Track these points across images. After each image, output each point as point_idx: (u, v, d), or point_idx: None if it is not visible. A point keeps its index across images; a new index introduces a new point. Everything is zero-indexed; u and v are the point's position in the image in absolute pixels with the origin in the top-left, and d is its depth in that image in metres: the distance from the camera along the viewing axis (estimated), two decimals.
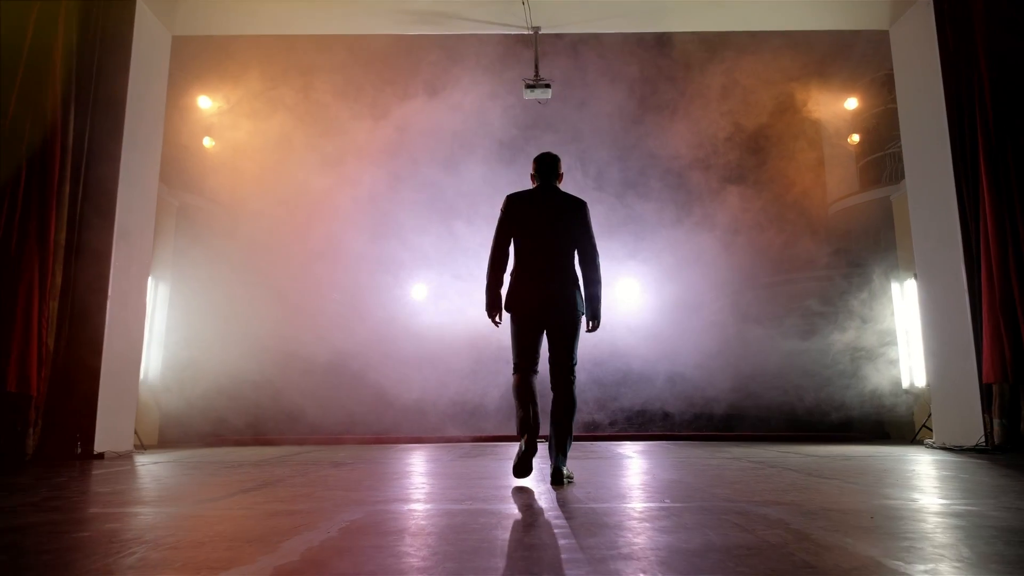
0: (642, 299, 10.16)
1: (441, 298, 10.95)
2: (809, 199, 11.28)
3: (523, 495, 3.38)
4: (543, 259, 3.82)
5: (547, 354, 3.91)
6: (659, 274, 9.59)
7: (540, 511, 2.85)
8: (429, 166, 9.63)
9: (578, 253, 3.90)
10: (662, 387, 9.91)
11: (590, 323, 3.94)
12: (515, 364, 3.84)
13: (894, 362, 8.35)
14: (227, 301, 9.83)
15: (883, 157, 11.91)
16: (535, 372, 3.86)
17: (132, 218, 7.05)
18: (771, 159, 10.89)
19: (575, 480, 3.90)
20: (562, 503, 3.04)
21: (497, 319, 3.89)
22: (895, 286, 8.64)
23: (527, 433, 3.66)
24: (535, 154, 4.18)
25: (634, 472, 4.67)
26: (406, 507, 2.98)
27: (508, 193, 4.00)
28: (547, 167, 3.99)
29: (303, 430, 9.60)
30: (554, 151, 4.20)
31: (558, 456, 3.76)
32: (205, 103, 10.71)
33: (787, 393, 8.50)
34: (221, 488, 3.78)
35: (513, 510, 2.86)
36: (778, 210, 9.90)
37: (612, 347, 10.07)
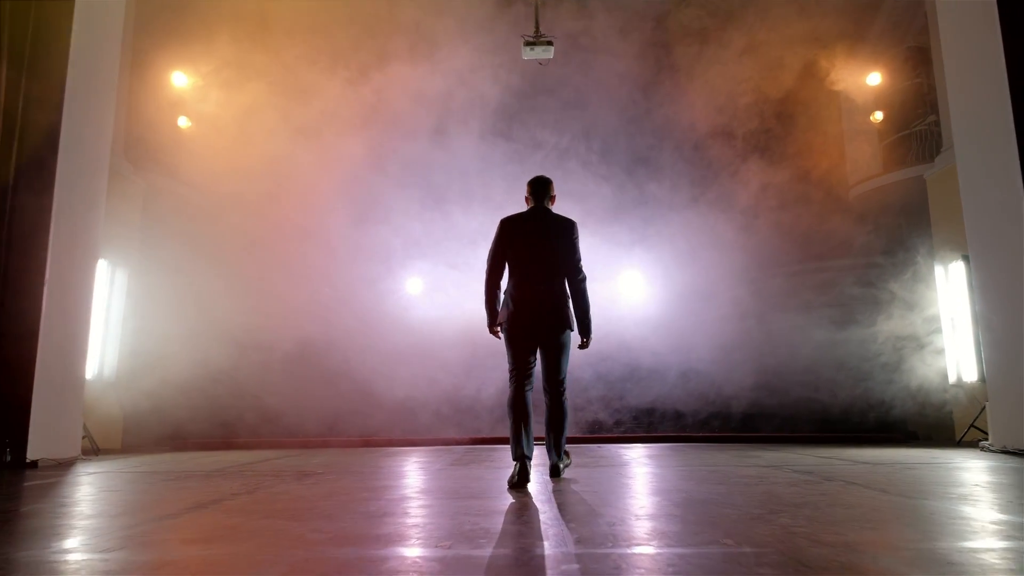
0: (653, 287, 9.29)
1: (435, 290, 10.09)
2: (833, 180, 10.43)
3: (526, 529, 2.52)
4: (535, 278, 4.03)
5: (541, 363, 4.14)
6: (672, 259, 8.71)
7: (550, 561, 1.99)
8: (414, 141, 8.75)
9: (566, 272, 4.10)
10: (674, 384, 9.06)
11: (583, 339, 4.18)
12: (510, 372, 4.07)
13: (939, 354, 7.45)
14: (199, 291, 8.95)
15: (909, 136, 11.10)
16: (529, 384, 4.05)
17: (75, 195, 6.17)
18: (793, 136, 10.02)
19: (571, 474, 4.06)
20: (582, 541, 2.19)
21: (497, 331, 4.15)
22: (939, 270, 7.75)
23: (518, 461, 3.85)
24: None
25: (656, 487, 3.81)
26: (356, 554, 2.12)
27: (502, 217, 4.21)
28: (540, 189, 4.22)
29: (281, 432, 8.74)
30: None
31: (554, 455, 4.09)
32: (180, 80, 9.81)
33: (818, 389, 7.64)
34: (136, 514, 2.93)
35: (509, 555, 2.01)
36: (803, 190, 9.04)
37: (619, 340, 9.22)
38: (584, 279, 4.13)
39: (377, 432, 8.86)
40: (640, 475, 4.41)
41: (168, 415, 8.56)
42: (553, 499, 3.24)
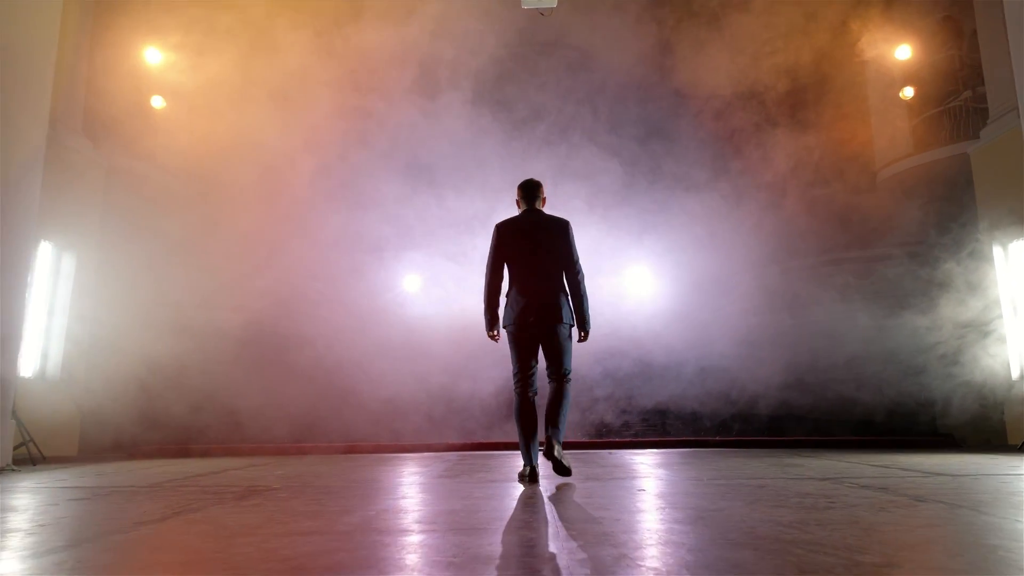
0: (667, 276, 8.40)
1: (430, 282, 9.21)
2: (864, 159, 9.58)
3: None
4: (533, 279, 4.10)
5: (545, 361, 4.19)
6: (689, 245, 7.79)
7: None
8: (399, 110, 7.88)
9: (563, 270, 4.17)
10: (689, 382, 8.17)
11: (581, 333, 4.22)
12: (516, 378, 4.13)
13: (1001, 344, 6.49)
14: (165, 280, 8.08)
15: (942, 113, 10.24)
16: (534, 389, 4.13)
17: (6, 169, 5.31)
18: (822, 111, 9.16)
19: (583, 493, 3.50)
20: None
21: (495, 335, 4.23)
22: (997, 251, 6.83)
23: (528, 464, 3.96)
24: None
25: (696, 511, 2.92)
26: None
27: (496, 222, 4.28)
28: (530, 192, 4.28)
29: (257, 435, 7.84)
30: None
31: (551, 429, 3.97)
32: (146, 53, 8.94)
33: (861, 388, 6.74)
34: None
35: None
36: (835, 168, 8.16)
37: (631, 333, 8.36)
38: (582, 276, 4.18)
39: (362, 437, 7.98)
40: (670, 493, 3.52)
41: (132, 418, 7.71)
42: (568, 534, 2.37)
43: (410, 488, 3.88)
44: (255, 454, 7.25)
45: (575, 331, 4.21)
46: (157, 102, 9.25)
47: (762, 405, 7.67)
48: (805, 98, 9.90)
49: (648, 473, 4.55)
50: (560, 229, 4.17)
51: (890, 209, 8.09)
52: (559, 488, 3.72)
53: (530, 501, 3.23)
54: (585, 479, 4.20)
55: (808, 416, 7.25)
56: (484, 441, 7.57)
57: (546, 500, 3.27)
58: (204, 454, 7.19)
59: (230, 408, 7.91)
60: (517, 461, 4.77)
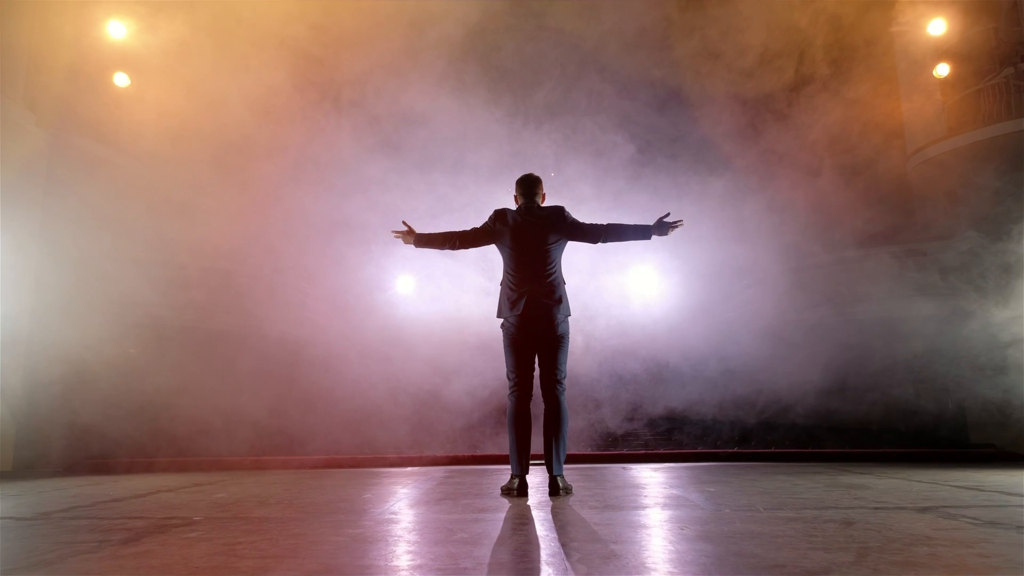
0: (681, 267, 7.45)
1: (418, 277, 8.24)
2: (898, 142, 8.73)
3: None
4: (529, 275, 3.93)
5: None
6: (706, 231, 6.82)
7: None
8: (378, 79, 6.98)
9: (584, 239, 4.05)
10: (706, 386, 7.21)
11: (657, 230, 4.03)
12: (512, 381, 3.91)
13: None
14: (115, 270, 7.12)
15: (979, 92, 9.38)
16: (530, 393, 3.91)
17: None
18: (853, 84, 8.27)
19: (602, 529, 2.71)
20: None
21: (402, 233, 4.16)
22: None
23: (517, 474, 3.74)
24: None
25: (764, 564, 1.97)
26: None
27: (496, 208, 4.11)
28: (529, 188, 4.09)
29: (211, 449, 6.81)
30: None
31: (554, 465, 3.77)
32: (109, 33, 8.00)
33: (921, 395, 5.78)
34: None
35: None
36: (878, 148, 7.26)
37: (640, 331, 7.43)
38: (603, 223, 4.04)
39: (335, 449, 6.98)
40: (728, 535, 2.56)
41: (75, 430, 6.73)
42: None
43: (374, 524, 2.92)
44: (211, 469, 6.27)
45: (573, 331, 4.07)
46: (118, 80, 8.32)
47: (793, 413, 6.72)
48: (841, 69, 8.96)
49: (678, 498, 3.59)
50: (558, 217, 4.01)
51: (937, 194, 7.19)
52: (568, 524, 2.77)
53: (531, 553, 2.28)
54: (602, 507, 3.24)
55: (849, 426, 6.28)
56: (474, 455, 6.59)
57: (559, 547, 2.31)
58: (147, 469, 6.21)
59: (188, 417, 6.91)
60: (507, 476, 3.84)
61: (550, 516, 3.01)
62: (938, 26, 9.36)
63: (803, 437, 6.95)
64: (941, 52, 9.53)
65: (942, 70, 9.53)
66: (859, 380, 6.05)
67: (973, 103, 9.29)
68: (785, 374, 6.63)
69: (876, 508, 3.05)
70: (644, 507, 3.29)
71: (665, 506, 3.29)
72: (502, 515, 3.05)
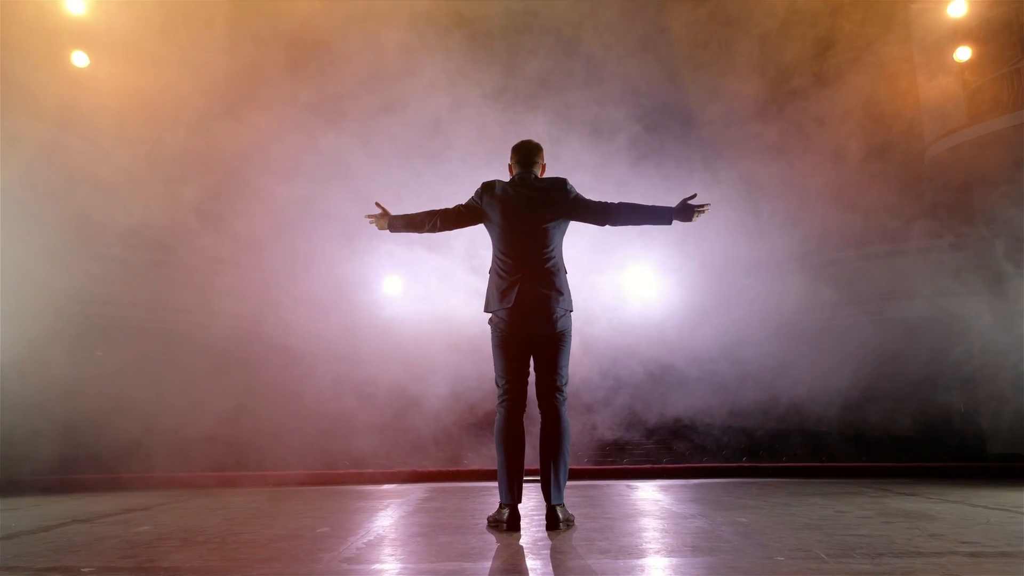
0: (689, 260, 6.77)
1: (401, 272, 7.51)
2: (916, 132, 8.15)
3: None
4: (522, 259, 3.25)
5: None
6: (719, 221, 6.14)
7: None
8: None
9: (589, 219, 3.35)
10: (718, 391, 6.55)
11: (679, 214, 3.29)
12: (501, 389, 3.24)
13: None
14: (73, 264, 6.37)
15: (1000, 78, 8.87)
16: (523, 403, 3.22)
17: None
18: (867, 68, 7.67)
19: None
20: None
21: (376, 216, 3.59)
22: None
23: (507, 503, 3.09)
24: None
25: None
26: None
27: (484, 181, 3.42)
28: (527, 155, 3.43)
29: (195, 462, 6.03)
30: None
31: (553, 493, 3.09)
32: (67, 8, 7.28)
33: (980, 402, 5.12)
34: None
35: None
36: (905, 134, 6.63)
37: (643, 331, 6.75)
38: (614, 202, 3.33)
39: (308, 463, 6.23)
40: None
41: (30, 440, 5.96)
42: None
43: (329, 565, 2.21)
44: (171, 486, 5.53)
45: (574, 329, 3.37)
46: (77, 60, 7.60)
47: (813, 422, 6.06)
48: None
49: (708, 535, 2.90)
50: (559, 188, 3.32)
51: (981, 186, 6.57)
52: None
53: None
54: (617, 551, 2.56)
55: (882, 438, 5.61)
56: (459, 470, 5.88)
57: None
58: (112, 488, 5.47)
59: (159, 428, 6.15)
60: (496, 499, 3.16)
61: (550, 568, 2.31)
62: (959, 7, 8.79)
63: (813, 446, 6.27)
64: (961, 35, 8.98)
65: (963, 54, 8.97)
66: (898, 390, 5.38)
67: (992, 89, 8.75)
68: (801, 379, 5.99)
69: (972, 555, 2.37)
70: (670, 551, 2.58)
71: (696, 550, 2.60)
72: (487, 565, 2.35)
